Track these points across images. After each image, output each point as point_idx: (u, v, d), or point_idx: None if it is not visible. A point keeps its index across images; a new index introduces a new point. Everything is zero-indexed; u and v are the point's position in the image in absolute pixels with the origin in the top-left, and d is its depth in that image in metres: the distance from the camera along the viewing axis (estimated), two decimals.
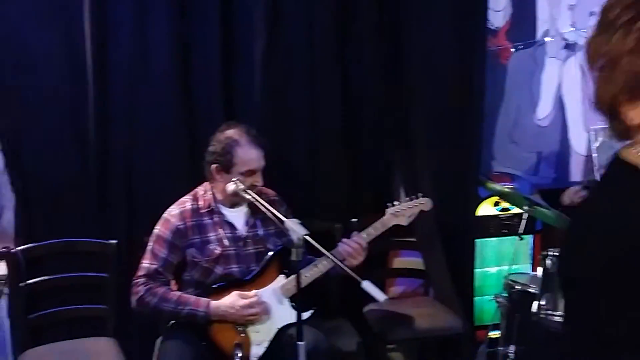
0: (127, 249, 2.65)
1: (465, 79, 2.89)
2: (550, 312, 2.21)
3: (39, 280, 2.53)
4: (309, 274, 2.26)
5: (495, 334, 2.78)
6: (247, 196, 2.22)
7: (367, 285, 1.80)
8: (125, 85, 2.62)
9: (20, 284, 2.49)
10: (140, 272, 2.26)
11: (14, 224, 2.61)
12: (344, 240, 2.31)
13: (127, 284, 2.52)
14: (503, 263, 3.15)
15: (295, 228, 1.87)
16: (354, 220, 2.79)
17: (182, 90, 2.68)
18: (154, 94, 2.65)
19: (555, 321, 2.19)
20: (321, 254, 2.25)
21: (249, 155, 2.29)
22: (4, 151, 2.56)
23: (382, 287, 3.07)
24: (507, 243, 3.13)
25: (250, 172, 2.29)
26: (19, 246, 2.52)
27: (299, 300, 1.94)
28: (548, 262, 2.25)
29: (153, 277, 2.25)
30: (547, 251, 2.27)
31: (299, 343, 1.87)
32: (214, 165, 2.31)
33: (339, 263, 1.99)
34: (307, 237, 1.85)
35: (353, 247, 2.27)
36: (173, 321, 2.34)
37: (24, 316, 2.50)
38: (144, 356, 2.47)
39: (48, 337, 2.57)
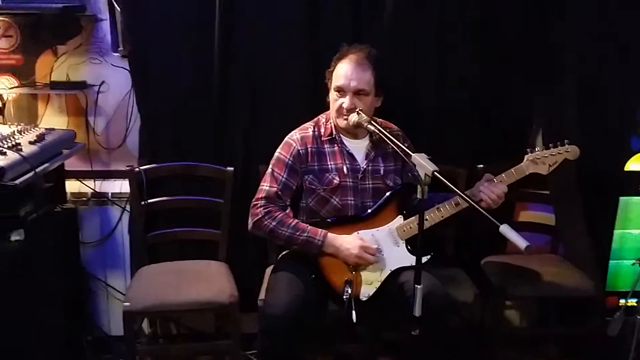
0: (243, 177, 2.65)
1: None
2: None
3: (159, 200, 2.59)
4: (432, 216, 2.10)
5: (630, 301, 2.48)
6: (371, 127, 2.07)
7: (506, 230, 1.59)
8: (250, 11, 2.54)
9: (142, 203, 2.56)
10: (260, 195, 2.21)
11: (138, 145, 2.68)
12: (483, 183, 2.11)
13: (241, 210, 2.55)
14: None
15: (424, 163, 1.70)
16: (480, 166, 2.57)
17: (309, 16, 2.55)
18: (278, 23, 2.55)
19: None
20: (445, 197, 2.12)
21: (343, 70, 2.16)
22: (132, 72, 2.61)
23: (504, 241, 2.86)
24: None
25: (339, 89, 2.17)
26: (142, 166, 2.58)
27: (419, 242, 1.79)
28: None
29: (273, 199, 2.19)
30: None
31: (417, 286, 1.73)
32: (328, 82, 2.22)
33: (475, 205, 1.79)
34: (437, 174, 1.67)
35: (495, 193, 2.08)
36: (285, 252, 2.31)
37: (144, 234, 2.59)
38: (253, 283, 2.47)
39: (163, 256, 2.66)
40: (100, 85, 2.65)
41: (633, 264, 2.26)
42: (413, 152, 1.87)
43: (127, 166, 2.57)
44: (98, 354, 2.68)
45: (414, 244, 2.18)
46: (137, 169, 2.55)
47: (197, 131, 2.65)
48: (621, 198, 2.70)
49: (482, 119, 2.70)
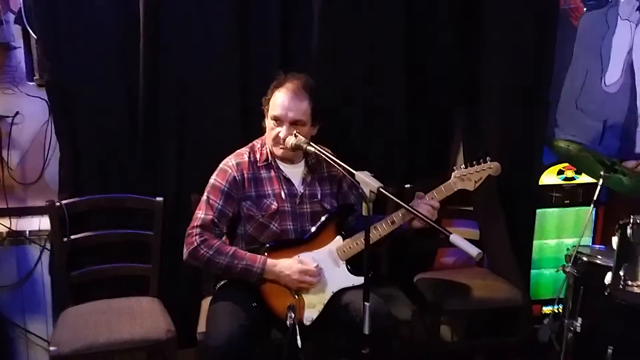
0: (174, 207, 2.57)
1: (536, 36, 2.71)
2: (630, 282, 2.05)
3: (82, 236, 2.44)
4: (375, 233, 2.13)
5: (550, 309, 2.63)
6: (311, 148, 2.09)
7: (456, 239, 1.64)
8: (177, 38, 2.50)
9: (64, 239, 2.40)
10: (195, 223, 2.14)
11: (58, 178, 2.52)
12: (416, 201, 2.17)
13: (172, 242, 2.46)
14: (563, 235, 2.98)
15: (369, 180, 1.73)
16: (407, 185, 2.66)
17: (238, 43, 2.54)
18: (207, 47, 2.52)
19: (634, 292, 2.04)
20: (380, 218, 2.16)
21: (280, 100, 2.17)
22: (50, 101, 2.47)
23: (433, 258, 2.96)
24: (569, 214, 2.97)
25: (276, 118, 2.18)
26: (63, 200, 2.43)
27: (366, 259, 1.80)
28: (628, 230, 2.08)
29: (208, 228, 2.13)
30: (628, 219, 2.10)
31: (366, 304, 1.74)
32: (264, 109, 2.23)
33: (423, 217, 1.84)
34: (383, 190, 1.71)
35: (432, 206, 2.13)
36: (222, 282, 2.25)
37: (66, 273, 2.42)
38: (189, 317, 2.38)
39: (90, 295, 2.49)
40: (14, 117, 2.49)
41: (557, 270, 2.40)
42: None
43: (47, 201, 2.40)
44: None
45: (354, 265, 2.20)
46: (58, 204, 2.39)
47: (122, 160, 2.54)
48: (538, 210, 2.89)
49: (408, 134, 2.78)
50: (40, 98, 2.50)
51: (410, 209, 1.87)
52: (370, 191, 1.71)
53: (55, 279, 2.50)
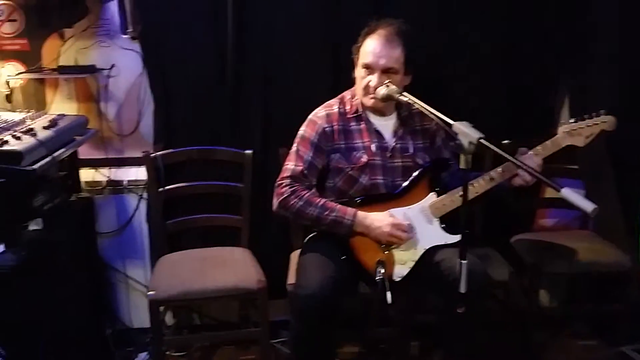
0: (262, 161, 2.56)
1: None
2: None
3: (177, 187, 2.51)
4: (471, 190, 2.00)
5: None
6: (403, 98, 1.98)
7: (568, 193, 1.50)
8: None
9: (159, 189, 2.48)
10: (285, 174, 2.12)
11: (153, 130, 2.58)
12: (518, 157, 2.00)
13: (261, 195, 2.47)
14: None
15: (468, 131, 1.61)
16: (505, 142, 2.48)
17: None
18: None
19: None
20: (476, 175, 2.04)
21: (371, 46, 2.07)
22: (143, 55, 2.51)
23: (532, 219, 2.79)
24: None
25: (366, 66, 2.08)
26: (158, 152, 2.49)
27: (463, 215, 1.70)
28: None
29: (298, 179, 2.10)
30: None
31: (463, 262, 1.65)
32: (354, 58, 2.13)
33: (531, 170, 1.70)
34: (484, 141, 1.58)
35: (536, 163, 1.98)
36: (312, 234, 2.23)
37: (162, 221, 2.51)
38: (278, 269, 2.39)
39: (183, 244, 2.58)
40: (110, 69, 2.55)
41: None
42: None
43: (143, 152, 2.48)
44: (120, 347, 2.59)
45: (448, 222, 2.10)
46: (154, 155, 2.47)
47: (213, 114, 2.56)
48: None
49: (507, 89, 2.61)
50: (134, 51, 2.53)
51: (515, 161, 1.72)
52: (470, 142, 1.59)
53: (152, 227, 2.60)
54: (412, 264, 2.08)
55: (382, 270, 1.97)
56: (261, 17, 2.48)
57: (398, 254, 2.08)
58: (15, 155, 1.82)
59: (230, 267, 2.33)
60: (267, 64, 2.53)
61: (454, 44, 2.56)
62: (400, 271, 2.07)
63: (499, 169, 2.03)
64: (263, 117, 2.57)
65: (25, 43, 2.50)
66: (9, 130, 2.02)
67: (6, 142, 1.88)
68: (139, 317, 2.71)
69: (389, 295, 1.93)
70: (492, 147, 1.61)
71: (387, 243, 2.06)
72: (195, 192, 2.53)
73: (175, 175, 2.53)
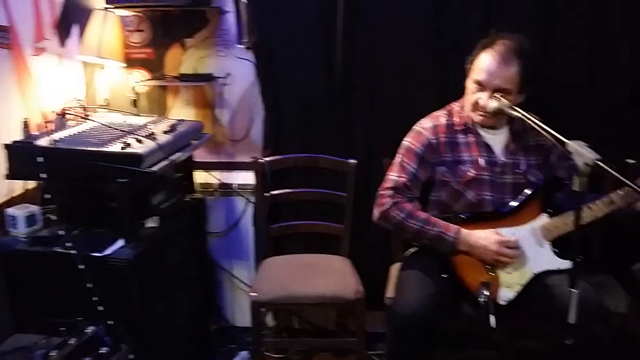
0: (366, 171, 2.57)
1: None
2: None
3: (283, 192, 2.57)
4: (588, 213, 1.88)
5: None
6: (515, 113, 1.89)
7: None
8: (373, 5, 2.45)
9: (265, 194, 2.55)
10: (387, 184, 2.10)
11: (262, 136, 2.67)
12: None
13: (363, 205, 2.47)
14: None
15: (583, 151, 1.50)
16: (630, 161, 2.27)
17: (433, 9, 2.41)
18: (401, 15, 2.44)
19: None
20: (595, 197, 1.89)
21: (485, 63, 1.98)
22: (256, 64, 2.60)
23: None
24: None
25: (478, 83, 1.99)
26: (266, 157, 2.57)
27: (576, 240, 1.59)
28: None
29: (401, 190, 2.07)
30: None
31: (573, 291, 1.55)
32: (468, 68, 2.06)
33: None
34: (600, 163, 1.47)
35: None
36: (413, 249, 2.19)
37: (267, 225, 2.59)
38: (376, 280, 2.38)
39: (286, 248, 2.65)
40: (225, 77, 2.68)
41: None
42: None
43: (252, 157, 2.58)
44: (223, 343, 2.71)
45: (560, 246, 1.98)
46: (262, 161, 2.55)
47: (320, 123, 2.60)
48: None
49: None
50: (247, 60, 2.63)
51: (636, 187, 1.58)
52: (585, 163, 1.48)
53: (258, 230, 2.69)
54: (519, 287, 1.98)
55: (487, 292, 1.89)
56: (370, 30, 2.48)
57: (504, 276, 1.99)
58: (137, 158, 1.97)
59: (330, 275, 2.36)
60: (374, 75, 2.53)
61: (571, 57, 2.40)
62: (506, 294, 1.98)
63: (621, 192, 1.88)
64: (369, 127, 2.58)
65: (151, 52, 2.70)
66: (132, 133, 2.18)
67: (129, 144, 2.04)
68: (242, 316, 2.82)
69: (492, 319, 1.85)
70: (608, 169, 1.49)
71: (493, 263, 1.98)
72: (299, 199, 2.59)
73: (282, 180, 2.60)
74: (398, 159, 2.14)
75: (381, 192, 2.10)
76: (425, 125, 2.13)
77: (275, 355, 2.65)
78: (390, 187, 2.09)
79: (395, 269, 2.28)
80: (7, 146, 2.02)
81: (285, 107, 2.60)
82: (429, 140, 2.09)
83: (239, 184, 2.75)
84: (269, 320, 2.78)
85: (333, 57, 2.51)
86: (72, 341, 1.14)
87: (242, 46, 2.62)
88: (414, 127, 2.16)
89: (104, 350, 1.16)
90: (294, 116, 2.61)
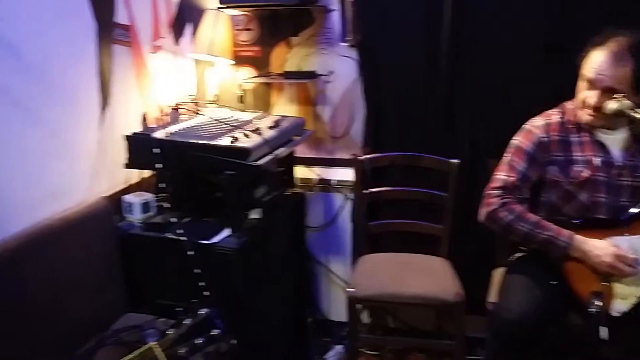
0: (469, 171, 2.51)
1: None
2: None
3: (382, 190, 2.57)
4: None
5: None
6: (638, 116, 1.77)
7: None
8: (481, 8, 2.40)
9: (364, 191, 2.56)
10: (495, 184, 2.03)
11: (362, 134, 2.69)
12: None
13: (465, 206, 2.42)
14: None
15: None
16: None
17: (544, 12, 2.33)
18: (510, 17, 2.37)
19: None
20: None
21: (596, 61, 1.86)
22: (359, 62, 2.62)
23: None
24: None
25: (588, 80, 1.88)
26: (366, 155, 2.58)
27: None
28: None
29: (509, 190, 1.99)
30: None
31: None
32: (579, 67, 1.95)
33: None
34: None
35: None
36: (520, 253, 2.11)
37: (365, 222, 2.59)
38: (476, 284, 2.32)
39: (383, 246, 2.64)
40: (328, 75, 2.71)
41: None
42: None
43: (352, 155, 2.59)
44: (318, 336, 2.76)
45: None
46: (362, 158, 2.56)
47: (422, 122, 2.57)
48: None
49: None
50: (350, 58, 2.65)
51: None
52: None
53: (356, 227, 2.71)
54: (635, 300, 1.85)
55: (599, 303, 1.79)
56: (476, 28, 2.43)
57: (619, 287, 1.86)
58: (245, 152, 2.04)
59: (429, 276, 2.32)
60: (480, 75, 2.47)
61: None
62: (620, 307, 1.86)
63: None
64: (473, 127, 2.52)
65: (258, 50, 2.79)
66: (239, 128, 2.27)
67: (237, 139, 2.12)
68: (337, 310, 2.86)
69: (603, 330, 1.75)
70: None
71: (606, 274, 1.86)
72: (398, 197, 2.57)
73: (381, 178, 2.60)
74: (507, 158, 2.06)
75: (488, 192, 2.03)
76: (536, 123, 2.05)
77: (369, 352, 2.66)
78: (498, 187, 2.01)
79: (498, 273, 2.20)
80: (127, 137, 2.16)
81: (387, 105, 2.60)
82: (540, 138, 2.00)
83: (337, 180, 2.78)
84: (365, 317, 2.79)
85: (437, 55, 2.48)
86: (187, 321, 1.20)
87: (345, 44, 2.64)
88: (524, 125, 2.08)
89: (215, 332, 1.22)
90: (395, 114, 2.60)
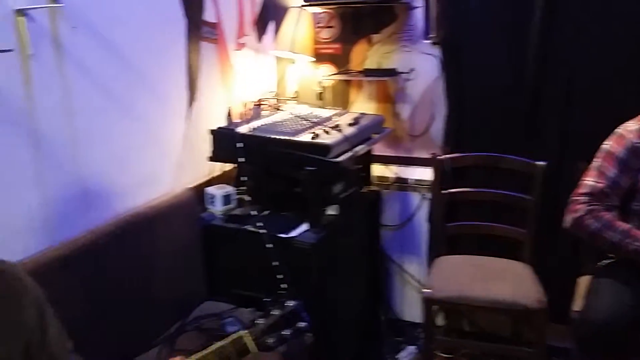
0: (555, 174, 2.41)
1: None
2: None
3: (461, 191, 2.51)
4: None
5: None
6: None
7: None
8: (573, 10, 2.29)
9: (443, 191, 2.52)
10: (583, 190, 1.94)
11: (443, 133, 2.64)
12: None
13: (550, 210, 2.32)
14: None
15: None
16: None
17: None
18: (603, 20, 2.25)
19: None
20: None
21: None
22: (442, 60, 2.57)
23: None
24: None
25: None
26: (446, 154, 2.53)
27: None
28: None
29: (597, 197, 1.91)
30: None
31: None
32: None
33: None
34: None
35: None
36: (607, 261, 2.01)
37: (443, 223, 2.55)
38: (560, 291, 2.22)
39: (461, 248, 2.58)
40: (409, 72, 2.68)
41: None
42: None
43: (431, 154, 2.55)
44: (390, 336, 2.74)
45: None
46: (441, 157, 2.52)
47: (506, 123, 2.50)
48: None
49: None
50: (432, 56, 2.61)
51: None
52: None
53: (432, 227, 2.66)
54: None
55: None
56: (568, 27, 2.33)
57: None
58: (325, 148, 2.06)
59: (510, 281, 2.25)
60: (570, 75, 2.37)
61: None
62: None
63: None
64: (561, 129, 2.42)
65: (339, 47, 2.80)
66: (319, 125, 2.29)
67: (318, 135, 2.14)
68: (410, 310, 2.83)
69: None
70: None
71: None
72: (478, 199, 2.50)
73: (461, 179, 2.55)
74: (596, 163, 1.97)
75: (575, 198, 1.95)
76: (630, 127, 1.93)
77: (443, 354, 2.61)
78: (585, 193, 1.93)
79: (584, 281, 2.10)
80: (212, 132, 2.23)
81: (470, 104, 2.54)
82: (633, 143, 1.89)
83: (415, 180, 2.75)
84: (439, 319, 2.75)
85: (524, 57, 2.40)
86: (275, 312, 1.23)
87: (428, 41, 2.60)
88: (616, 130, 1.97)
89: (301, 324, 1.24)
90: (477, 114, 2.54)
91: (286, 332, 1.22)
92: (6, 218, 1.56)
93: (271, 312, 1.22)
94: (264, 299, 1.24)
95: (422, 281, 2.74)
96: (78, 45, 1.75)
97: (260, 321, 1.21)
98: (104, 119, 1.89)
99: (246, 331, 1.20)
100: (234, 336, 1.19)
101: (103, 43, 1.86)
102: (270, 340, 1.20)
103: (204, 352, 1.15)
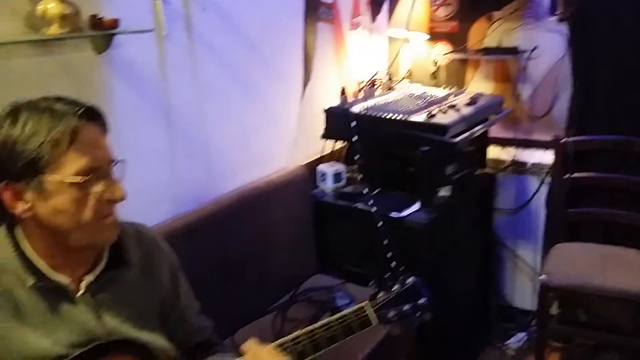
0: None
1: None
2: None
3: (585, 176, 2.37)
4: None
5: None
6: None
7: None
8: None
9: (564, 176, 2.38)
10: None
11: (567, 115, 2.50)
12: None
13: None
14: None
15: None
16: None
17: None
18: None
19: None
20: None
21: None
22: (570, 38, 2.42)
23: None
24: None
25: None
26: (569, 137, 2.39)
27: None
28: None
29: None
30: None
31: None
32: None
33: None
34: None
35: None
36: None
37: (563, 209, 2.42)
38: None
39: (582, 236, 2.44)
40: (532, 51, 2.55)
41: None
42: None
43: (553, 136, 2.42)
44: (500, 321, 2.67)
45: None
46: (564, 140, 2.38)
47: (637, 104, 2.30)
48: None
49: None
50: (558, 33, 2.46)
51: None
52: None
53: (551, 213, 2.54)
54: None
55: None
56: None
57: None
58: (442, 128, 2.02)
59: (635, 271, 2.10)
60: None
61: None
62: None
63: None
64: None
65: (455, 25, 2.72)
66: (435, 104, 2.25)
67: (434, 115, 2.10)
68: (522, 297, 2.74)
69: None
70: None
71: None
72: (604, 184, 2.35)
73: (584, 163, 2.39)
74: None
75: None
76: None
77: (555, 344, 2.50)
78: None
79: None
80: (326, 110, 2.27)
81: (599, 85, 2.37)
82: None
83: (533, 163, 2.62)
84: (553, 308, 2.63)
85: None
86: (396, 287, 1.24)
87: (554, 18, 2.45)
88: None
89: (422, 301, 1.24)
90: (606, 95, 2.37)
91: (407, 307, 1.23)
92: (142, 189, 1.68)
93: (392, 288, 1.24)
94: (381, 275, 1.26)
95: (536, 268, 2.63)
96: (207, 26, 1.85)
97: (381, 294, 1.23)
98: (229, 98, 1.99)
99: (368, 302, 1.22)
100: (356, 307, 1.22)
101: (229, 25, 1.95)
102: (391, 314, 1.22)
103: (328, 319, 1.19)
